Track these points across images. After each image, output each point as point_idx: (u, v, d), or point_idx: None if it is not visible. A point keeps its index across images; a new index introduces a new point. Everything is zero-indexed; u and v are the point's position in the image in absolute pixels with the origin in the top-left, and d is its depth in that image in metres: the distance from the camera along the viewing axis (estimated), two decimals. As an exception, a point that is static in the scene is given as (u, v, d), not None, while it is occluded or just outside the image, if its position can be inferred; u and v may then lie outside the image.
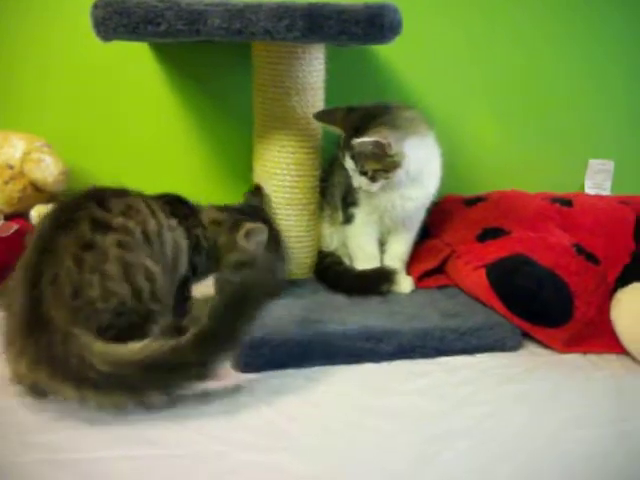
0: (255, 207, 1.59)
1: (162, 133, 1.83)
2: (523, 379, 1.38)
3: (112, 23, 1.29)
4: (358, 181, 1.53)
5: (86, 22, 1.36)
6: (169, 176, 1.85)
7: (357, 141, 1.45)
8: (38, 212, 1.62)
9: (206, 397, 1.25)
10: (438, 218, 1.81)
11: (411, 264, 1.70)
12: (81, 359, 1.10)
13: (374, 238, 1.65)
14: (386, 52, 1.83)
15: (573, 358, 1.47)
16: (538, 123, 1.99)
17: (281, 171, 1.62)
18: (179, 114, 1.83)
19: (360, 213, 1.63)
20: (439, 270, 1.69)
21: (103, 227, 1.22)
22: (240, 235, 1.43)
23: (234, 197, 1.83)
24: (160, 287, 1.26)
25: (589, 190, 2.00)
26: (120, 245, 1.22)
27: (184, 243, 1.38)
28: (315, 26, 1.32)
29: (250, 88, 1.63)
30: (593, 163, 2.02)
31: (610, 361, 1.47)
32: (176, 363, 1.14)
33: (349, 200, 1.64)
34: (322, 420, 1.20)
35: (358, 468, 1.08)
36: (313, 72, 1.57)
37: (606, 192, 2.01)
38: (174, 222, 1.36)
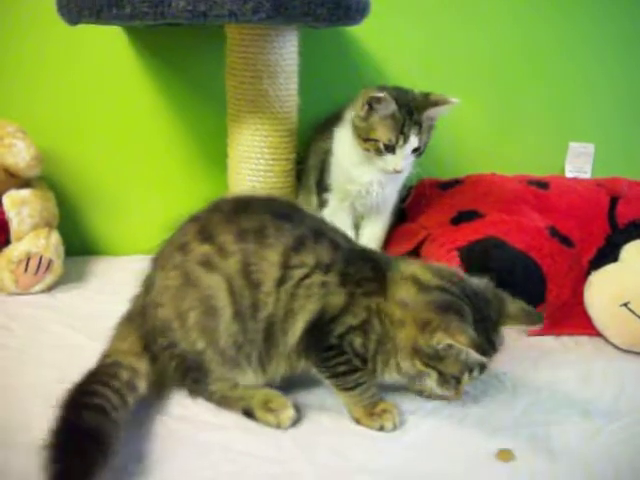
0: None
1: (136, 116, 1.81)
2: (494, 361, 1.38)
3: (76, 7, 1.28)
4: (407, 161, 1.51)
5: (56, 4, 1.35)
6: (142, 160, 1.84)
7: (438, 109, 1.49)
8: (10, 198, 1.61)
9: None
10: (415, 202, 1.81)
11: (388, 247, 1.70)
12: None
13: (349, 222, 1.64)
14: (361, 34, 1.81)
15: (546, 340, 1.48)
16: (518, 105, 1.98)
17: (255, 155, 1.61)
18: (153, 97, 1.81)
19: (333, 199, 1.62)
20: (415, 253, 1.69)
21: None
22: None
23: (208, 180, 1.84)
24: None
25: (569, 174, 1.98)
26: None
27: None
28: (280, 7, 1.30)
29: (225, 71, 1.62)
30: (574, 146, 2.01)
31: (582, 343, 1.48)
32: None
33: (322, 185, 1.63)
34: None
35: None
36: (285, 55, 1.56)
37: (586, 175, 1.99)
38: None
